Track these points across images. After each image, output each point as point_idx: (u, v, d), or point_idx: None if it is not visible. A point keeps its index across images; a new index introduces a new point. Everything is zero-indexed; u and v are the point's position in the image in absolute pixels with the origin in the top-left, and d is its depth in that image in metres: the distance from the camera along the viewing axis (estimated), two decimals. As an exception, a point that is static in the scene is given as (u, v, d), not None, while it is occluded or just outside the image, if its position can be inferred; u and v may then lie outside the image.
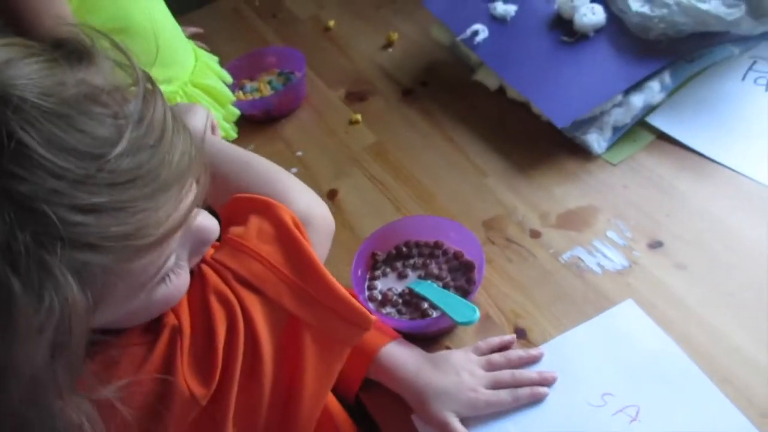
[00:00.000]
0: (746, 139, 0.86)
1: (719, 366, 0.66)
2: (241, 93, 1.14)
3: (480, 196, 0.90)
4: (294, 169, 1.03)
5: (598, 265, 0.78)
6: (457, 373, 0.66)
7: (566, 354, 0.69)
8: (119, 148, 0.38)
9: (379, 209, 0.92)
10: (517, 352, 0.69)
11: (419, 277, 0.78)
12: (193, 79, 0.98)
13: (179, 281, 0.48)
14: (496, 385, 0.66)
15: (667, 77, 0.91)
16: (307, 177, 1.01)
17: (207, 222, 0.50)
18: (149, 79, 0.43)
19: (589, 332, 0.71)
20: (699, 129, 0.89)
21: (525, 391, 0.66)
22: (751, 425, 0.61)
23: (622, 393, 0.65)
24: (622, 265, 0.77)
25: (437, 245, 0.81)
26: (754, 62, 0.95)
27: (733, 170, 0.84)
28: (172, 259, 0.46)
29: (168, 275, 0.47)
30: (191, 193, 0.45)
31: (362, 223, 0.90)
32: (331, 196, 0.96)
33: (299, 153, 1.06)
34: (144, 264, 0.42)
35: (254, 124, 1.13)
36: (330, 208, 0.92)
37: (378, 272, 0.79)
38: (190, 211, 0.45)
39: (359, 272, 0.78)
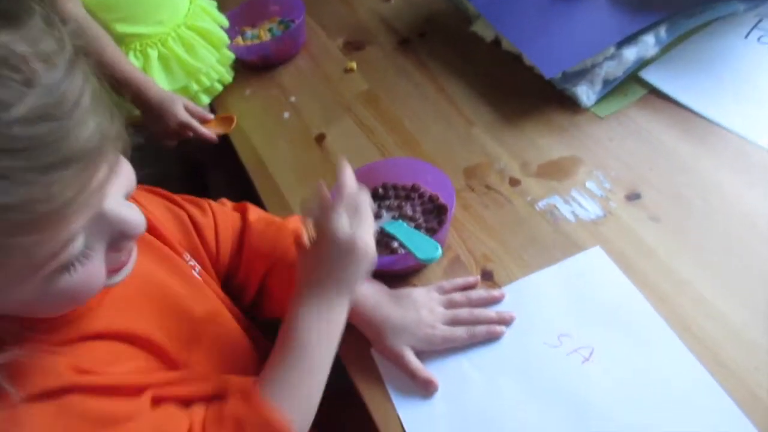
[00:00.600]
0: (743, 99, 0.84)
1: (681, 315, 0.65)
2: (240, 39, 1.15)
3: (465, 145, 0.90)
4: (286, 114, 1.04)
5: (573, 213, 0.77)
6: (417, 309, 0.67)
7: (528, 295, 0.70)
8: (14, 113, 0.35)
9: (363, 154, 0.93)
10: (478, 292, 0.70)
11: (393, 218, 0.79)
12: (187, 22, 0.99)
13: (87, 274, 0.43)
14: (454, 323, 0.67)
15: (663, 31, 0.89)
16: (298, 121, 1.02)
17: (132, 215, 0.46)
18: (76, 51, 0.40)
19: (553, 275, 0.71)
20: (693, 85, 0.87)
21: (481, 329, 0.66)
22: (705, 371, 0.61)
23: (578, 335, 0.65)
24: (596, 215, 0.76)
25: (414, 188, 0.81)
26: (760, 20, 0.92)
27: (726, 129, 0.82)
28: (77, 245, 0.41)
29: (73, 264, 0.42)
30: (100, 175, 0.40)
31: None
32: (318, 140, 0.97)
33: (292, 98, 1.07)
34: (32, 243, 0.38)
35: (252, 70, 1.14)
36: (316, 153, 0.96)
37: (353, 212, 0.80)
38: (97, 195, 0.41)
39: (334, 210, 0.79)
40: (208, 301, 0.66)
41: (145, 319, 0.56)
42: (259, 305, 0.73)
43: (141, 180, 0.49)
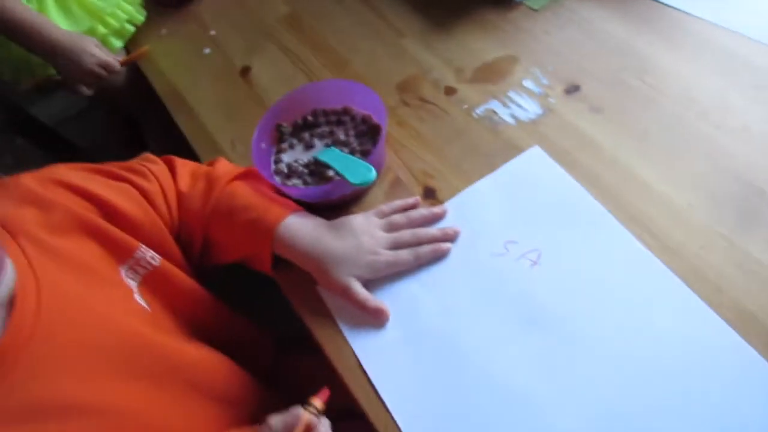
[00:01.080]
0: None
1: (627, 205, 0.63)
2: (147, -26, 1.05)
3: (396, 58, 0.85)
4: (206, 50, 0.97)
5: (512, 116, 0.74)
6: (357, 236, 0.64)
7: (470, 207, 0.67)
8: None
9: (290, 81, 0.87)
10: (419, 211, 0.67)
11: (326, 145, 0.75)
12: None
13: None
14: (396, 246, 0.65)
15: None
16: (221, 56, 0.95)
17: None
18: None
19: (493, 183, 0.68)
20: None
21: (426, 249, 0.64)
22: (654, 258, 0.59)
23: (524, 239, 0.63)
24: (536, 114, 0.73)
25: (346, 111, 0.76)
26: None
27: (662, 2, 0.78)
28: None
29: None
30: None
31: (273, 98, 0.86)
32: (243, 74, 0.91)
33: (212, 32, 0.99)
34: None
35: (168, 8, 1.05)
36: (242, 87, 0.90)
37: (284, 145, 0.76)
38: None
39: (263, 145, 0.74)
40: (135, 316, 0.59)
41: (86, 375, 0.49)
42: (205, 254, 0.70)
43: (83, 153, 0.44)
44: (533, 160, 0.68)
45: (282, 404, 0.63)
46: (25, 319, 0.46)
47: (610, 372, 0.55)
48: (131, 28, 1.00)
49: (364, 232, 0.65)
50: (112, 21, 0.96)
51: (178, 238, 0.68)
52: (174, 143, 0.86)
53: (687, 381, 0.53)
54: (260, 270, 0.69)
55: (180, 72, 0.95)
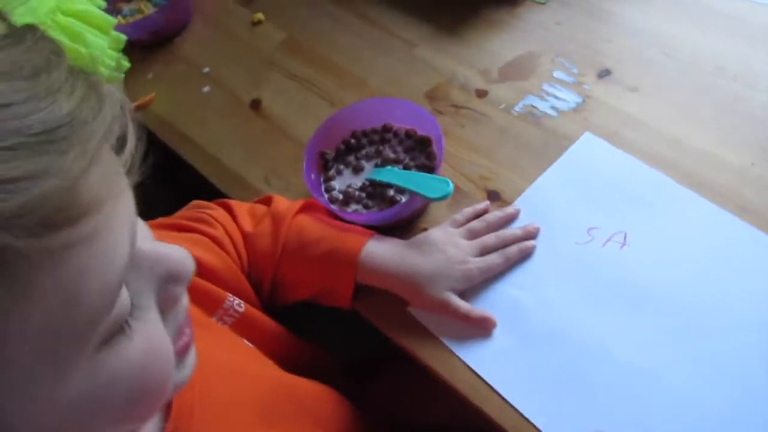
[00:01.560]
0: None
1: (690, 172, 0.66)
2: (121, 18, 1.00)
3: (413, 69, 0.84)
4: (205, 88, 0.92)
5: (552, 108, 0.75)
6: (442, 250, 0.63)
7: (542, 202, 0.68)
8: None
9: (311, 108, 0.85)
10: (494, 214, 0.67)
11: (376, 165, 0.73)
12: (61, 6, 0.84)
13: (149, 337, 0.31)
14: (483, 252, 0.64)
15: None
16: (224, 92, 0.91)
17: (171, 248, 0.34)
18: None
19: (556, 175, 0.69)
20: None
21: (513, 249, 0.64)
22: (734, 218, 0.62)
23: (606, 223, 0.65)
24: (575, 102, 0.74)
25: (386, 128, 0.75)
26: None
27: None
28: (123, 294, 0.29)
29: (128, 322, 0.30)
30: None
31: (298, 127, 0.83)
32: (254, 107, 0.88)
33: (206, 70, 0.95)
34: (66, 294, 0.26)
35: (146, 50, 1.00)
36: (256, 122, 0.87)
37: (331, 172, 0.74)
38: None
39: (312, 176, 0.72)
40: (251, 358, 0.58)
41: (237, 428, 0.47)
42: (274, 295, 0.67)
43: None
44: (588, 146, 0.70)
45: (372, 424, 0.62)
46: (185, 392, 0.43)
47: (721, 336, 0.56)
48: (121, 76, 0.94)
49: (448, 244, 0.64)
50: (102, 69, 0.90)
51: (248, 281, 0.65)
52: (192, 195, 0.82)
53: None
54: (335, 304, 0.66)
55: (183, 115, 0.91)
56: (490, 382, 0.59)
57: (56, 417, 0.28)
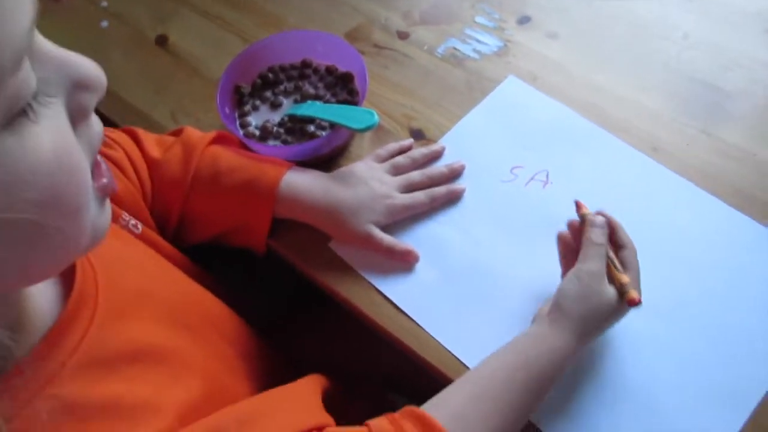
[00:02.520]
0: None
1: (609, 117, 0.67)
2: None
3: (333, 8, 0.81)
4: (104, 23, 0.84)
5: (475, 51, 0.74)
6: (366, 183, 0.61)
7: (466, 141, 0.67)
8: None
9: (224, 45, 0.79)
10: (420, 151, 0.65)
11: (295, 101, 0.69)
12: None
13: (57, 133, 0.28)
14: (408, 187, 0.62)
15: None
16: (125, 27, 0.84)
17: (82, 58, 0.31)
18: None
19: (481, 115, 0.68)
20: None
21: (441, 190, 0.62)
22: (646, 157, 0.63)
23: (529, 162, 0.65)
24: (497, 46, 0.74)
25: (305, 63, 0.71)
26: None
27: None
28: (28, 78, 0.26)
29: (31, 105, 0.26)
30: None
31: (209, 64, 0.78)
32: (160, 43, 0.81)
33: (104, 4, 0.87)
34: None
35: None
36: (163, 58, 0.80)
37: (247, 107, 0.69)
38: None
39: (227, 110, 0.67)
40: (160, 266, 0.53)
41: (146, 323, 0.43)
42: (181, 231, 0.61)
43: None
44: (512, 89, 0.70)
45: (282, 358, 0.59)
46: (87, 272, 0.40)
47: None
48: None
49: (372, 178, 0.61)
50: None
51: (151, 212, 0.59)
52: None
53: (698, 267, 0.57)
54: (248, 243, 0.62)
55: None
56: (410, 315, 0.57)
57: None
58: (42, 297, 0.37)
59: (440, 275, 0.59)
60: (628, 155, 0.64)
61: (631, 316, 0.52)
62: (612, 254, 0.51)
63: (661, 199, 0.61)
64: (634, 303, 0.48)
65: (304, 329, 0.74)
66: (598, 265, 0.50)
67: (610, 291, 0.49)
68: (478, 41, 0.75)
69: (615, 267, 0.51)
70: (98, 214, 0.32)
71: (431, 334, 0.56)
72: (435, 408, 0.46)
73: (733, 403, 0.51)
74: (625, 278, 0.50)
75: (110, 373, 0.36)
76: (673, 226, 0.59)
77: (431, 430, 0.43)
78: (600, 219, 0.52)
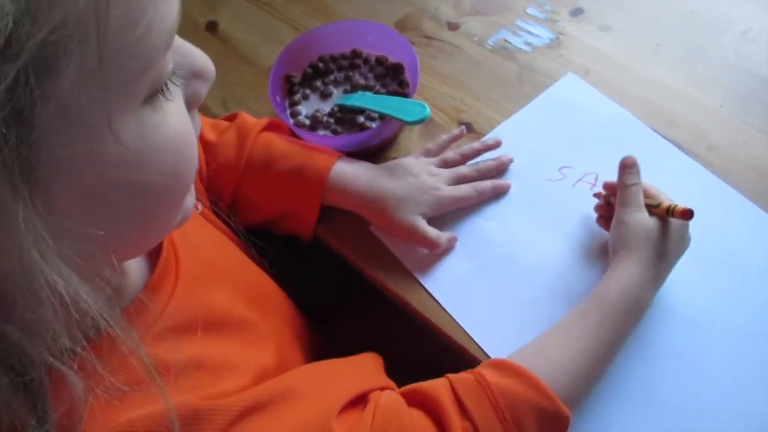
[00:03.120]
0: None
1: (661, 111, 0.66)
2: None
3: (383, -1, 0.81)
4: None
5: (526, 43, 0.73)
6: (415, 175, 0.61)
7: (517, 137, 0.66)
8: None
9: (274, 34, 0.80)
10: (470, 146, 0.65)
11: (345, 91, 0.70)
12: None
13: (179, 115, 0.30)
14: (457, 181, 0.62)
15: None
16: (176, 14, 0.84)
17: (198, 50, 0.34)
18: None
19: (536, 111, 0.68)
20: None
21: (487, 184, 0.62)
22: (700, 166, 0.62)
23: (579, 163, 0.64)
24: (549, 39, 0.73)
25: (356, 54, 0.72)
26: None
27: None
28: (168, 63, 0.28)
29: (163, 90, 0.28)
30: None
31: (260, 52, 0.78)
32: (211, 29, 0.82)
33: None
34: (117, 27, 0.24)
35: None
36: (213, 44, 0.81)
37: (297, 96, 0.69)
38: None
39: (277, 99, 0.67)
40: (225, 244, 0.55)
41: (221, 294, 0.45)
42: (232, 215, 0.62)
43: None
44: (570, 86, 0.69)
45: (329, 344, 0.61)
46: (169, 246, 0.42)
47: (682, 280, 0.56)
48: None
49: (421, 171, 0.62)
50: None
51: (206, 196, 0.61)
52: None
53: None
54: (296, 230, 0.63)
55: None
56: (441, 302, 0.58)
57: (100, 185, 0.27)
58: (134, 266, 0.40)
59: (477, 267, 0.59)
60: (680, 162, 0.63)
61: (669, 324, 0.53)
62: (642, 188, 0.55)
63: (710, 209, 0.59)
64: (687, 214, 0.50)
65: (350, 317, 0.75)
66: (635, 204, 0.53)
67: (652, 220, 0.52)
68: (530, 33, 0.74)
69: (650, 198, 0.54)
70: (189, 195, 0.35)
71: (460, 323, 0.56)
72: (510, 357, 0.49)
73: (752, 413, 0.50)
74: (665, 202, 0.53)
75: (191, 338, 0.38)
76: (720, 238, 0.58)
77: (509, 369, 0.46)
78: (629, 159, 0.56)
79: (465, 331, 0.56)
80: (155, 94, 0.28)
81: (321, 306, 0.72)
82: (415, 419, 0.44)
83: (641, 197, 0.54)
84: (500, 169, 0.64)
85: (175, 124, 0.30)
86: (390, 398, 0.45)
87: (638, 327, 0.53)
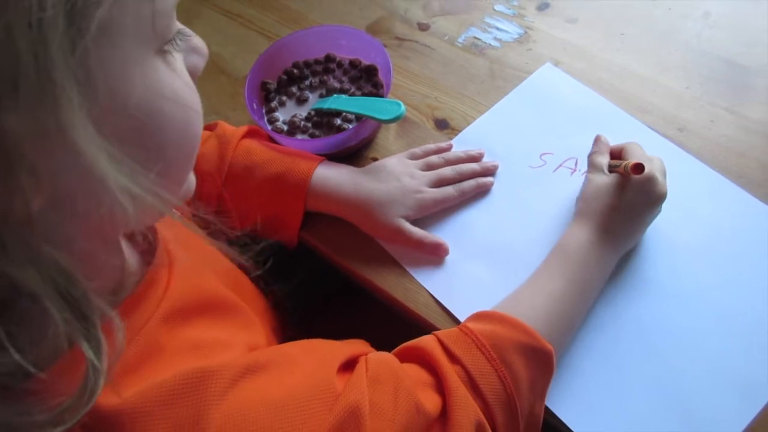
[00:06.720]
0: None
1: (631, 97, 0.68)
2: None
3: (355, 3, 0.82)
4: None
5: (496, 39, 0.75)
6: (397, 178, 0.62)
7: (498, 128, 0.68)
8: None
9: (249, 44, 0.81)
10: (455, 153, 0.66)
11: (320, 96, 0.71)
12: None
13: (184, 79, 0.34)
14: (439, 183, 0.63)
15: None
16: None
17: (196, 36, 0.37)
18: None
19: (515, 102, 0.69)
20: None
21: (470, 183, 0.63)
22: (675, 146, 0.64)
23: (559, 149, 0.65)
24: (518, 33, 0.75)
25: (329, 58, 0.73)
26: None
27: None
28: (174, 19, 0.32)
29: (170, 50, 0.32)
30: None
31: (236, 63, 0.79)
32: (186, 44, 0.83)
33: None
34: None
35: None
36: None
37: (274, 103, 0.70)
38: None
39: (254, 106, 0.68)
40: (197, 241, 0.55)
41: (210, 278, 0.46)
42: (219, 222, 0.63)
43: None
44: (546, 77, 0.70)
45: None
46: (161, 239, 0.43)
47: (656, 257, 0.58)
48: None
49: (403, 173, 0.62)
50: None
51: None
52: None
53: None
54: (280, 236, 0.64)
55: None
56: (435, 294, 0.58)
57: (120, 126, 0.29)
58: (131, 260, 0.41)
59: (463, 256, 0.60)
60: (656, 144, 0.64)
61: (651, 302, 0.54)
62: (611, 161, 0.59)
63: (686, 187, 0.61)
64: (636, 167, 0.53)
65: (336, 319, 0.75)
66: (595, 167, 0.59)
67: (609, 178, 0.57)
68: (498, 29, 0.76)
69: (612, 163, 0.58)
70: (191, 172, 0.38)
71: (454, 314, 0.57)
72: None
73: (747, 393, 0.51)
74: (621, 162, 0.56)
75: (187, 322, 0.39)
76: (695, 214, 0.60)
77: (489, 316, 0.50)
78: (598, 136, 0.61)
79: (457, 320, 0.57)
80: (166, 46, 0.31)
81: (308, 310, 0.73)
82: (407, 368, 0.47)
83: (602, 162, 0.59)
84: (484, 174, 0.64)
85: (184, 80, 0.33)
86: (380, 353, 0.48)
87: (624, 301, 0.55)
